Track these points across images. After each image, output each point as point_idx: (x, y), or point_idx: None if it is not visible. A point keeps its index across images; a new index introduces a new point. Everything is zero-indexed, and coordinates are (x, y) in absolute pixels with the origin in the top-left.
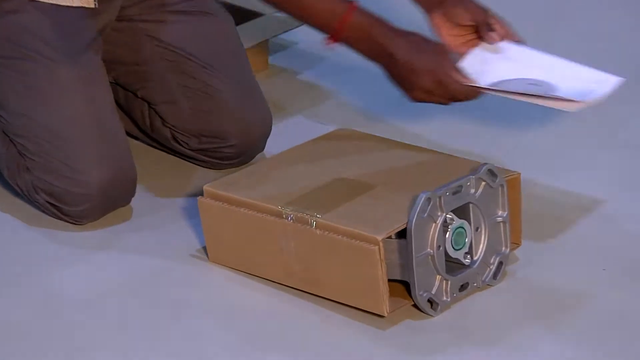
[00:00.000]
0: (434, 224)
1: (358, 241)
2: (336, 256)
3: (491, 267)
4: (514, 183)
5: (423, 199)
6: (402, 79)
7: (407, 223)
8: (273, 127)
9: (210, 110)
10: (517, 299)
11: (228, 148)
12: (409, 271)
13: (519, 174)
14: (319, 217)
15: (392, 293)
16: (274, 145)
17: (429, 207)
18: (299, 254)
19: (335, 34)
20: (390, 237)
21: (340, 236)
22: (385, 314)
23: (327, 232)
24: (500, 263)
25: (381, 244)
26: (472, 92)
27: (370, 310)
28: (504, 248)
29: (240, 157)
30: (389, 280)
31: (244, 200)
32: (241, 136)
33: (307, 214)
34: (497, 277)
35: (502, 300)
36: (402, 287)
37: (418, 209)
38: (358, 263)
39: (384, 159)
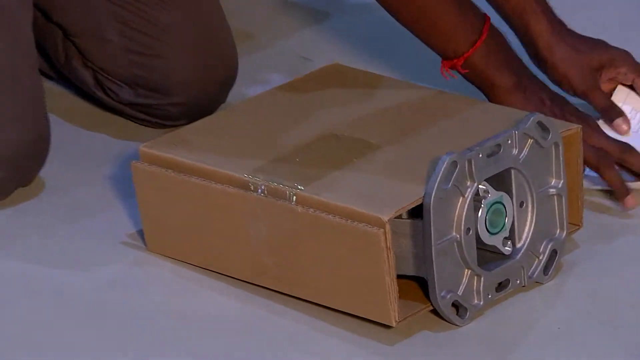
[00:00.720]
0: (461, 198)
1: (356, 222)
2: (325, 244)
3: (541, 257)
4: (572, 140)
5: (446, 162)
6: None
7: (423, 197)
8: (239, 63)
9: (153, 53)
10: (575, 303)
11: (173, 106)
12: (427, 264)
13: (580, 127)
14: (300, 190)
15: (403, 294)
16: (238, 92)
17: (455, 174)
18: (273, 242)
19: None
20: (400, 217)
21: (330, 215)
22: (394, 324)
23: (312, 210)
24: (554, 252)
25: (388, 227)
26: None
27: (374, 319)
28: (558, 231)
29: (190, 116)
30: (399, 277)
31: (195, 166)
32: (192, 91)
33: (284, 185)
34: (549, 272)
35: (555, 304)
36: (416, 286)
37: (439, 178)
38: (356, 253)
39: (390, 107)
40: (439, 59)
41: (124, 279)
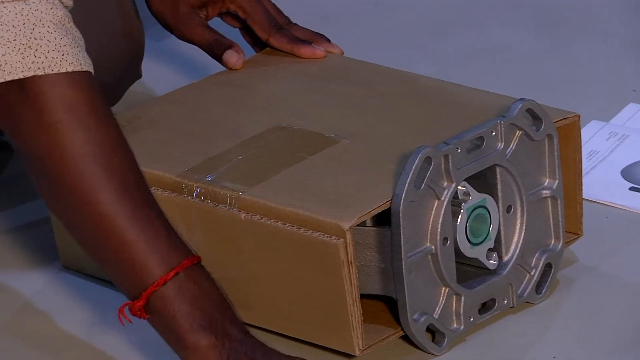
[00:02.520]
0: (436, 202)
1: (310, 231)
2: (274, 258)
3: (532, 273)
4: (569, 132)
5: (418, 159)
6: None
7: (391, 200)
8: (152, 44)
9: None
10: (574, 327)
11: None
12: (396, 281)
13: (578, 115)
14: (243, 193)
15: (368, 318)
16: (152, 78)
17: (429, 172)
18: (211, 256)
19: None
20: (363, 225)
21: (279, 223)
22: (357, 353)
23: (257, 218)
24: (548, 266)
25: (349, 236)
26: None
27: (334, 347)
28: (553, 241)
29: None
30: (364, 297)
31: None
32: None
33: (223, 187)
34: (543, 291)
35: (549, 328)
36: (384, 307)
37: (410, 177)
38: (310, 269)
39: (351, 93)
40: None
41: (37, 302)
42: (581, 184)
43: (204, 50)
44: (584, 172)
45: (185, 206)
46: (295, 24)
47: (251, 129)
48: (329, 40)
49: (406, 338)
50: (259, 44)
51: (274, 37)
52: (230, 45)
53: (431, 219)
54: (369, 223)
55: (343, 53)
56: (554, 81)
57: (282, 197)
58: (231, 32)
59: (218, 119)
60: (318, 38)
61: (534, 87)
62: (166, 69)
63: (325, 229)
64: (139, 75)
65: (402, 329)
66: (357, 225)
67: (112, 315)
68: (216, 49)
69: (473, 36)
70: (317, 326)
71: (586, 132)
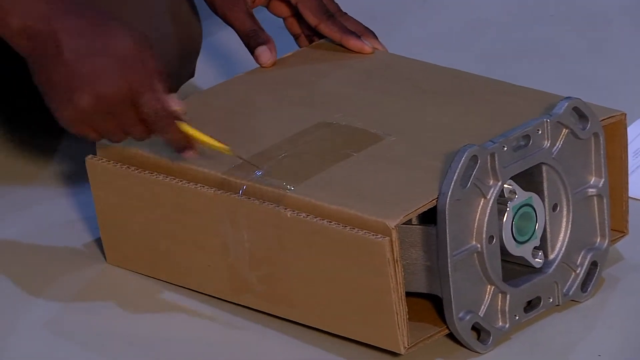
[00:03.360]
0: (482, 200)
1: (356, 230)
2: (319, 255)
3: (578, 271)
4: (615, 130)
5: (465, 157)
6: (59, 87)
7: (437, 199)
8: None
9: None
10: (619, 325)
11: None
12: (442, 279)
13: (624, 114)
14: (290, 191)
15: (413, 316)
16: (205, 76)
17: (475, 171)
18: (256, 253)
19: None
20: (409, 223)
21: (325, 221)
22: (403, 351)
23: (303, 215)
24: (594, 265)
25: (395, 235)
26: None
27: (379, 346)
28: (599, 240)
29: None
30: (409, 295)
31: (161, 162)
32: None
33: (270, 185)
34: (588, 289)
35: (595, 326)
36: (430, 305)
37: (456, 175)
38: (355, 267)
39: (399, 89)
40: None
41: (81, 298)
42: (627, 183)
43: (240, 37)
44: (630, 171)
45: (231, 204)
46: (346, 14)
47: (296, 124)
48: (376, 37)
49: (451, 336)
50: (306, 33)
51: (325, 23)
52: (266, 41)
53: (477, 217)
54: (414, 221)
55: (387, 51)
56: (600, 79)
57: (327, 195)
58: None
59: (263, 114)
60: (367, 33)
61: (579, 85)
62: (219, 68)
63: (371, 227)
64: (192, 74)
65: (448, 327)
66: (403, 224)
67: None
68: (252, 40)
69: (520, 33)
70: (362, 324)
71: (632, 131)
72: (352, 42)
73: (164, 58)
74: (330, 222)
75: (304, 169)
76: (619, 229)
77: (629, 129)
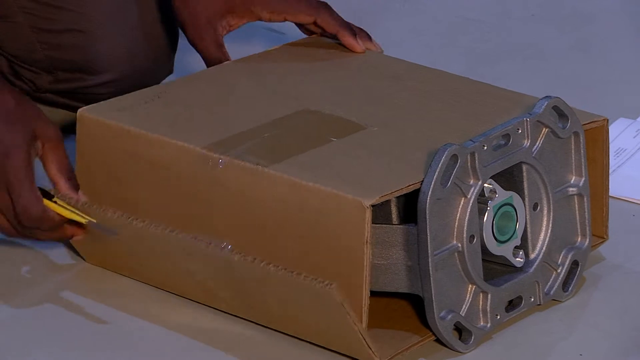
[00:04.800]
0: (463, 200)
1: (335, 203)
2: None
3: (559, 270)
4: (597, 134)
5: (445, 156)
6: None
7: (418, 197)
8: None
9: (68, 28)
10: (600, 324)
11: (102, 87)
12: (423, 279)
13: (606, 119)
14: (267, 167)
15: (395, 323)
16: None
17: (455, 170)
18: (232, 229)
19: None
20: (390, 223)
21: (301, 201)
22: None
23: (280, 191)
24: (575, 264)
25: (369, 214)
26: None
27: (351, 355)
28: (580, 239)
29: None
30: (391, 296)
31: (139, 133)
32: (124, 65)
33: (248, 161)
34: (569, 288)
35: (576, 326)
36: (408, 306)
37: (436, 174)
38: (331, 245)
39: (384, 85)
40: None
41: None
42: (608, 188)
43: (206, 65)
44: (610, 170)
45: (209, 178)
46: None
47: (279, 112)
48: (370, 38)
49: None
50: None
51: (322, 16)
52: None
53: (458, 217)
54: (395, 221)
55: (382, 52)
56: (582, 79)
57: (305, 173)
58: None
59: (246, 101)
60: (362, 33)
61: (561, 84)
62: (199, 63)
63: (346, 206)
64: (171, 70)
65: (432, 332)
66: (384, 224)
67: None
68: None
69: (503, 34)
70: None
71: (614, 130)
72: (347, 38)
73: (138, 61)
74: (305, 202)
75: (284, 149)
76: (599, 235)
77: (610, 128)
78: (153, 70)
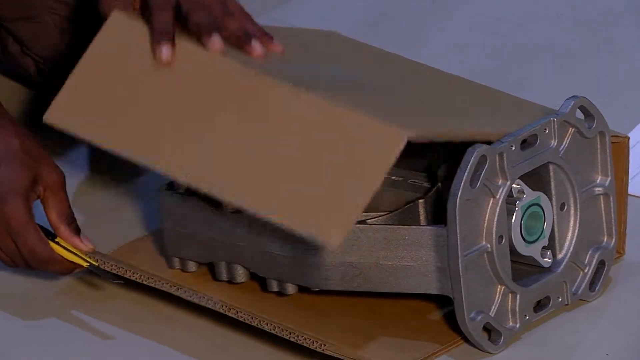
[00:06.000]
0: (491, 200)
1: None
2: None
3: (586, 270)
4: (618, 151)
5: (474, 156)
6: None
7: (447, 199)
8: None
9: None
10: (627, 324)
11: None
12: (452, 280)
13: (627, 137)
14: (303, 91)
15: (419, 334)
16: None
17: (484, 170)
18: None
19: None
20: (418, 223)
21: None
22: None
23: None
24: (602, 264)
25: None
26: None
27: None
28: (606, 238)
29: None
30: (420, 297)
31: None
32: None
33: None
34: (597, 288)
35: (603, 326)
36: (433, 307)
37: (466, 175)
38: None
39: (402, 85)
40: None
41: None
42: (626, 204)
43: None
44: (635, 172)
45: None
46: (246, 14)
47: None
48: (271, 39)
49: (464, 338)
50: None
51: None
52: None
53: (486, 217)
54: (423, 222)
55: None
56: (608, 79)
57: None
58: None
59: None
60: (264, 35)
61: (587, 84)
62: None
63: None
64: None
65: (461, 329)
66: (413, 225)
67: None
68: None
69: (530, 33)
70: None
71: (638, 131)
72: (248, 47)
73: None
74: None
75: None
76: (617, 250)
77: (635, 130)
78: None
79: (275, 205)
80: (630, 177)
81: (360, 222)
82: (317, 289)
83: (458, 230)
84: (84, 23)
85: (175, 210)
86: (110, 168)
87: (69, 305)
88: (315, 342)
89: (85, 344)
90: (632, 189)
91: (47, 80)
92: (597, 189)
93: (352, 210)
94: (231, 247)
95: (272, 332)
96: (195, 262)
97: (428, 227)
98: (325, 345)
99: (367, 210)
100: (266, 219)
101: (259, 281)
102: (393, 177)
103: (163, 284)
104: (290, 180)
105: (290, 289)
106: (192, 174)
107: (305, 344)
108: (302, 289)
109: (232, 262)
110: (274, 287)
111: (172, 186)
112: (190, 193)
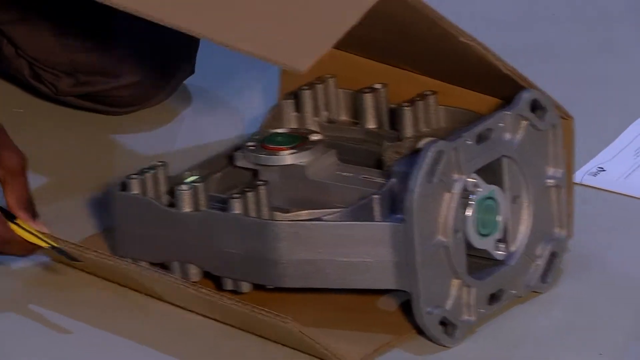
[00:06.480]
0: (448, 195)
1: None
2: None
3: (539, 262)
4: (564, 131)
5: (432, 152)
6: None
7: (405, 195)
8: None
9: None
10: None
11: (124, 89)
12: (410, 275)
13: (571, 118)
14: None
15: (372, 326)
16: (206, 64)
17: (441, 165)
18: None
19: None
20: (372, 219)
21: None
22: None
23: None
24: (554, 255)
25: None
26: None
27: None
28: (558, 230)
29: (146, 99)
30: (378, 292)
31: None
32: (146, 66)
33: None
34: (549, 280)
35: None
36: (387, 300)
37: (423, 171)
38: None
39: None
40: None
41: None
42: (572, 191)
43: None
44: (630, 170)
45: None
46: None
47: None
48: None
49: (420, 331)
50: None
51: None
52: None
53: (443, 212)
54: (378, 219)
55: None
56: (604, 78)
57: None
58: None
59: None
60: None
61: (584, 84)
62: (219, 64)
63: None
64: (192, 71)
65: (417, 323)
66: (367, 220)
67: None
68: None
69: (524, 34)
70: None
71: (634, 129)
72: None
73: (159, 62)
74: None
75: None
76: None
77: (630, 127)
78: (174, 71)
79: (245, 36)
80: (624, 176)
81: (315, 219)
82: (272, 287)
83: (416, 226)
84: (78, 25)
85: (127, 210)
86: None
87: (28, 296)
88: (276, 317)
89: (42, 340)
90: (626, 189)
91: (41, 82)
92: (549, 180)
93: (324, 41)
94: (184, 246)
95: (233, 307)
96: (147, 262)
97: (385, 222)
98: (288, 320)
99: (321, 206)
100: (235, 49)
101: (214, 280)
102: (345, 174)
103: (126, 264)
104: (263, 13)
105: (245, 287)
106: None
107: (267, 318)
108: (257, 287)
109: (185, 261)
110: (229, 285)
111: (124, 186)
112: (143, 192)
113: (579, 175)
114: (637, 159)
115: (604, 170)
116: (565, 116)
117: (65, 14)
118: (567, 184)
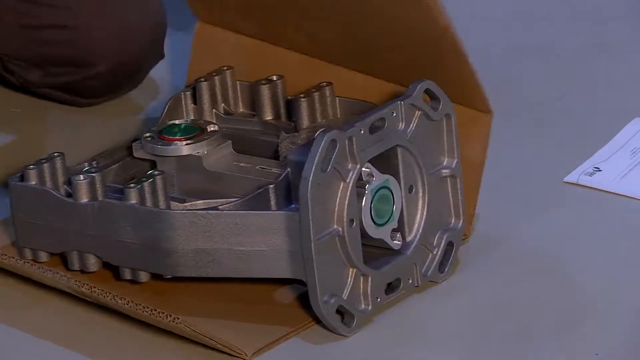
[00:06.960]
0: (342, 184)
1: None
2: None
3: (435, 252)
4: (478, 129)
5: (325, 141)
6: None
7: (299, 184)
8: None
9: (55, 23)
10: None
11: (94, 79)
12: (306, 264)
13: (491, 112)
14: None
15: (268, 319)
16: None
17: (335, 154)
18: None
19: None
20: (269, 209)
21: None
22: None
23: None
24: (450, 245)
25: None
26: None
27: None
28: (454, 220)
29: (117, 88)
30: (275, 282)
31: None
32: (114, 55)
33: None
34: (446, 270)
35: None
36: (284, 291)
37: (317, 160)
38: None
39: None
40: None
41: None
42: (479, 187)
43: None
44: (626, 170)
45: None
46: None
47: None
48: None
49: (317, 320)
50: None
51: None
52: None
53: (337, 201)
54: (274, 207)
55: None
56: (599, 78)
57: None
58: None
59: None
60: None
61: (578, 84)
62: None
63: None
64: (162, 55)
65: (313, 319)
66: (265, 210)
67: None
68: None
69: (518, 33)
70: None
71: (629, 129)
72: None
73: (129, 50)
74: None
75: None
76: (464, 232)
77: (626, 127)
78: (145, 57)
79: None
80: (620, 176)
81: (211, 209)
82: (169, 276)
83: (310, 214)
84: (47, 20)
85: (25, 201)
86: None
87: None
88: (168, 317)
89: None
90: (622, 189)
91: (14, 76)
92: (444, 170)
93: None
94: (82, 236)
95: (126, 306)
96: (46, 252)
97: (280, 211)
98: (178, 319)
99: (218, 197)
100: None
101: (112, 270)
102: (242, 164)
103: (14, 259)
104: None
105: (143, 276)
106: None
107: (158, 318)
108: (155, 276)
109: (83, 251)
110: (127, 275)
111: (22, 177)
112: (42, 183)
113: (575, 175)
114: (633, 159)
115: (600, 171)
116: (485, 110)
117: (31, 9)
118: (475, 187)
